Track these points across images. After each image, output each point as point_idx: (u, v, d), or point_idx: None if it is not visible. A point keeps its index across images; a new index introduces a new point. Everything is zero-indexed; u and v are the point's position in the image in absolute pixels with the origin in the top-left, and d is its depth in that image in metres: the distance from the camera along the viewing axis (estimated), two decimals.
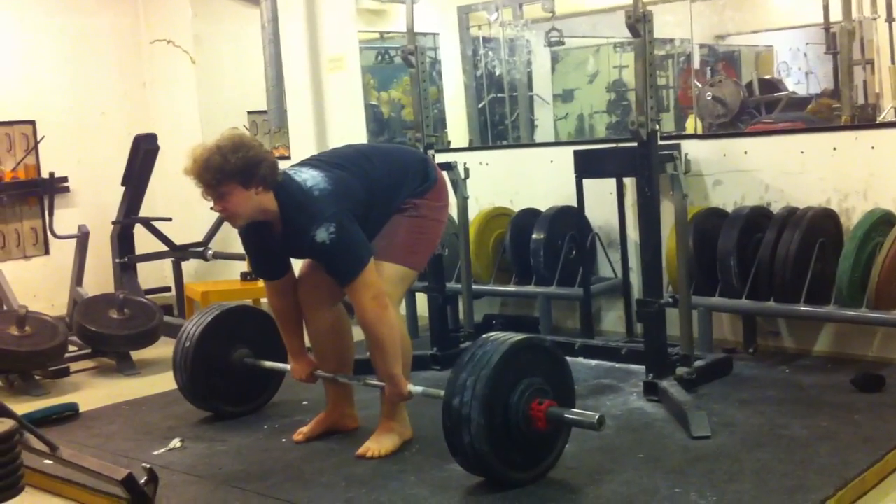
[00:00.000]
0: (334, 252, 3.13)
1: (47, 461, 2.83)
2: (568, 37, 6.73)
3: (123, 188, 6.17)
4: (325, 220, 3.10)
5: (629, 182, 4.68)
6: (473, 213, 5.05)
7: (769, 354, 4.39)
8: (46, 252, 6.60)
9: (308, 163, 3.35)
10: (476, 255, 4.99)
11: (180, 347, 3.84)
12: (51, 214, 6.22)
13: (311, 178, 3.20)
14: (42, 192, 6.43)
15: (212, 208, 3.24)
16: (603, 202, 4.80)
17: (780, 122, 5.13)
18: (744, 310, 4.30)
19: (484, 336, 3.04)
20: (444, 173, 4.51)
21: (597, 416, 2.85)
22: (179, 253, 6.16)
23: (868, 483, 2.93)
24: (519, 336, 3.00)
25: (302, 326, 3.54)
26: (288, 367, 3.66)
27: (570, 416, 2.94)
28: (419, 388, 3.27)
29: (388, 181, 3.35)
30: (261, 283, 5.40)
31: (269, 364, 3.86)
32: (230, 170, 3.08)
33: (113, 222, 6.19)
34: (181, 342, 3.85)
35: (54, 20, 6.67)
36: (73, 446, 3.03)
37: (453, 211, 4.70)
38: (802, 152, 4.33)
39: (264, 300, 5.61)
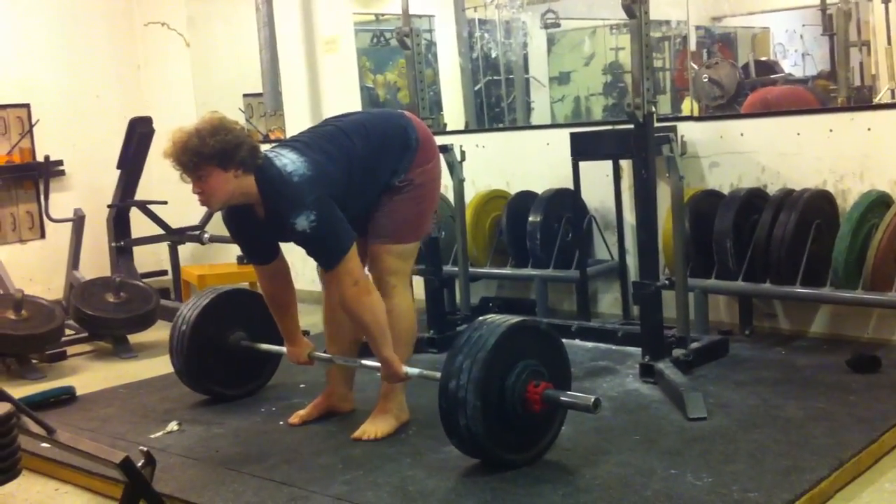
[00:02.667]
0: (315, 240, 3.12)
1: (44, 444, 2.83)
2: (564, 19, 6.71)
3: (119, 171, 6.16)
4: (304, 208, 3.06)
5: (626, 164, 4.69)
6: (470, 196, 5.04)
7: (765, 336, 4.40)
8: (42, 236, 6.59)
9: (288, 144, 3.29)
10: (472, 237, 4.99)
11: (177, 331, 3.84)
12: (46, 198, 6.21)
13: (290, 162, 3.14)
14: (37, 175, 6.42)
15: (193, 191, 3.20)
16: (599, 184, 4.79)
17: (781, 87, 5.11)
18: (740, 291, 4.31)
19: (480, 319, 3.03)
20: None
21: (592, 399, 2.86)
22: (176, 236, 6.15)
23: (863, 464, 2.94)
24: (515, 318, 3.00)
25: (294, 309, 3.52)
26: (283, 349, 3.67)
27: (566, 399, 2.95)
28: (415, 370, 3.28)
29: (370, 158, 3.29)
30: None
31: (265, 347, 3.86)
32: (208, 153, 3.06)
33: (109, 206, 6.18)
34: (177, 326, 3.84)
35: (48, 3, 6.64)
36: (70, 429, 3.03)
37: (449, 194, 4.72)
38: (799, 134, 4.32)
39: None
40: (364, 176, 3.26)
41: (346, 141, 3.29)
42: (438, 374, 2.98)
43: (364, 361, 3.43)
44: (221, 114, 3.23)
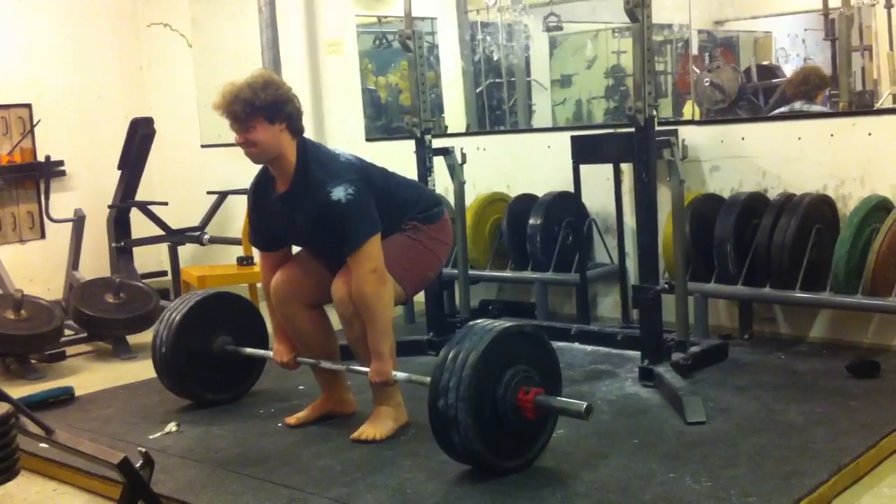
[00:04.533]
0: (349, 212, 3.14)
1: (43, 445, 2.82)
2: (566, 21, 6.70)
3: (120, 172, 6.16)
4: (344, 181, 3.15)
5: (626, 168, 4.69)
6: (470, 199, 5.04)
7: (765, 340, 4.40)
8: (43, 236, 6.59)
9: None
10: (473, 240, 4.99)
11: (159, 337, 3.79)
12: (47, 198, 6.21)
13: (340, 150, 3.33)
14: (38, 175, 6.42)
15: (235, 140, 3.24)
16: (600, 188, 4.80)
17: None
18: (740, 296, 4.31)
19: (461, 331, 2.96)
20: (442, 158, 4.54)
21: (584, 406, 2.81)
22: (176, 237, 6.15)
23: (863, 468, 2.94)
24: (498, 326, 2.92)
25: None
26: (269, 353, 3.65)
27: (558, 405, 2.91)
28: (403, 375, 3.25)
29: (402, 196, 3.39)
30: (256, 269, 5.42)
31: (250, 351, 3.83)
32: (259, 104, 3.15)
33: (109, 206, 6.17)
34: (159, 332, 3.80)
35: (51, 4, 6.65)
36: (69, 430, 3.03)
37: (450, 196, 4.72)
38: (800, 138, 4.32)
39: (260, 285, 5.62)
40: (395, 205, 3.34)
41: (388, 172, 3.43)
42: (426, 379, 2.96)
43: (353, 366, 3.41)
44: (271, 71, 3.30)
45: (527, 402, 2.85)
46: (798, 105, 5.11)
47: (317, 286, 3.40)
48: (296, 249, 3.56)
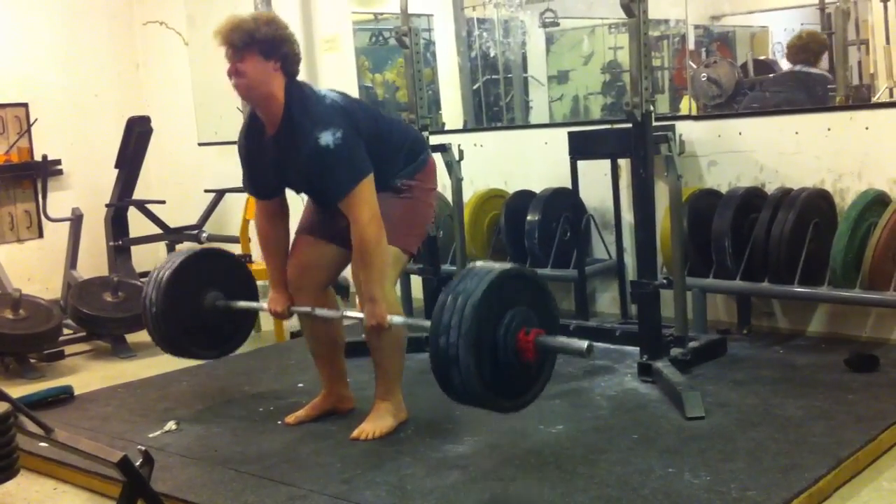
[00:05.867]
0: (337, 157, 3.11)
1: (42, 444, 2.83)
2: (563, 18, 6.70)
3: (117, 171, 6.15)
4: (332, 126, 3.12)
5: (624, 163, 4.69)
6: (468, 195, 5.04)
7: (763, 335, 4.40)
8: (40, 235, 6.58)
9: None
10: (471, 236, 4.99)
11: (148, 297, 3.74)
12: (44, 197, 6.20)
13: (327, 91, 3.28)
14: (35, 174, 6.41)
15: (227, 71, 3.21)
16: (597, 183, 4.80)
17: None
18: (738, 290, 4.31)
19: (465, 269, 2.97)
20: (439, 155, 4.53)
21: (586, 344, 2.80)
22: (173, 235, 6.14)
23: (861, 462, 2.94)
24: (497, 267, 2.92)
25: (286, 256, 3.49)
26: (262, 305, 3.62)
27: (559, 345, 2.89)
28: (400, 318, 3.21)
29: (391, 140, 3.35)
30: (255, 266, 5.41)
31: (242, 304, 3.80)
32: (258, 37, 3.15)
33: (107, 205, 6.17)
34: (148, 292, 3.75)
35: (47, 2, 6.64)
36: (68, 429, 3.02)
37: (448, 193, 4.72)
38: (797, 133, 4.32)
39: (260, 283, 5.60)
40: (383, 152, 3.29)
41: (376, 113, 3.41)
42: (425, 323, 2.94)
43: (347, 312, 3.36)
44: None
45: (528, 342, 2.84)
46: (798, 68, 5.13)
47: (328, 268, 3.44)
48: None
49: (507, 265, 2.94)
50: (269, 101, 3.20)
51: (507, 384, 2.88)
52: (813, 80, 5.18)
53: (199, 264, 3.84)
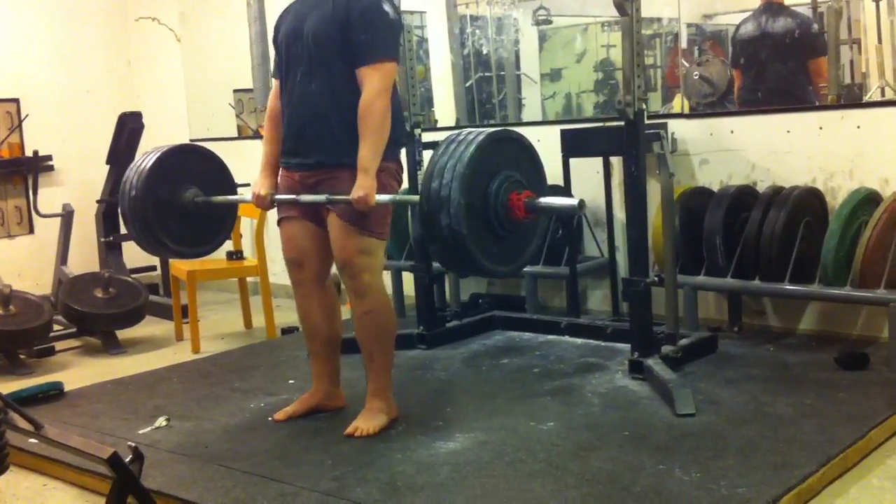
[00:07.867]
0: (388, 25, 3.19)
1: (32, 440, 2.81)
2: (555, 15, 6.71)
3: (108, 167, 6.14)
4: (392, 2, 3.22)
5: (616, 161, 4.69)
6: None
7: (754, 333, 4.41)
8: (31, 231, 6.56)
9: None
10: None
11: (129, 182, 3.71)
12: (35, 193, 6.19)
13: None
14: (26, 170, 6.39)
15: None
16: (590, 181, 4.80)
17: None
18: (729, 288, 4.32)
19: (457, 131, 3.01)
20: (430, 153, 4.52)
21: (577, 200, 2.82)
22: None
23: (851, 460, 2.95)
24: (486, 130, 2.96)
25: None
26: (242, 197, 3.58)
27: (549, 203, 2.91)
28: (387, 197, 3.17)
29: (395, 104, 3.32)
30: (246, 263, 5.41)
31: (221, 199, 3.78)
32: None
33: (98, 201, 6.16)
34: (129, 177, 3.72)
35: None
36: (58, 425, 3.02)
37: None
38: (789, 132, 4.33)
39: (251, 279, 5.61)
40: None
41: None
42: (414, 198, 2.95)
43: (331, 196, 3.23)
44: None
45: (518, 199, 2.82)
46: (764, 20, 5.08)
47: (326, 252, 3.39)
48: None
49: (499, 129, 3.04)
50: None
51: (494, 243, 2.85)
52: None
53: (185, 158, 3.82)
